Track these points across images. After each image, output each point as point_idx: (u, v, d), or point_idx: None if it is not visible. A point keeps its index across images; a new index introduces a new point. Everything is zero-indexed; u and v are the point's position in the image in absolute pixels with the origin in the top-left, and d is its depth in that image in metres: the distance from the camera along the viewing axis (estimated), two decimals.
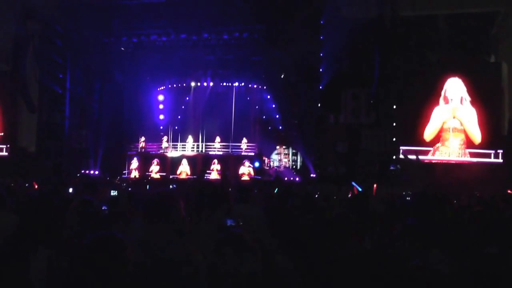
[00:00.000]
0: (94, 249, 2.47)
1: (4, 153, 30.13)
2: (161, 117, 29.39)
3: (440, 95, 24.73)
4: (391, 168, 23.53)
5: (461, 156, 24.33)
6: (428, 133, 24.66)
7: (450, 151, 24.45)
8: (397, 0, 23.62)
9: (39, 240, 3.65)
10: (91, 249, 2.48)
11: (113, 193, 9.82)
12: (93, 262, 2.43)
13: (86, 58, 28.01)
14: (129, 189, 13.89)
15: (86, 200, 5.56)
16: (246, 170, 24.92)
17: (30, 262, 3.47)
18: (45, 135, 29.55)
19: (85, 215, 4.98)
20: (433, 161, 24.38)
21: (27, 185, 15.27)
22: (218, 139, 26.49)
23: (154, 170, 26.53)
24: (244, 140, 25.94)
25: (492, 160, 23.83)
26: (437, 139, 24.69)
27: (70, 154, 28.43)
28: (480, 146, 24.10)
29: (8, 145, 30.14)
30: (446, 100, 24.66)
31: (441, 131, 24.65)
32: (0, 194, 6.78)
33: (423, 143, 24.61)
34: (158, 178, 25.69)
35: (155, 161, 26.68)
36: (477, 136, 24.29)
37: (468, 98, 24.40)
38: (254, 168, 24.96)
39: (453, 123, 24.53)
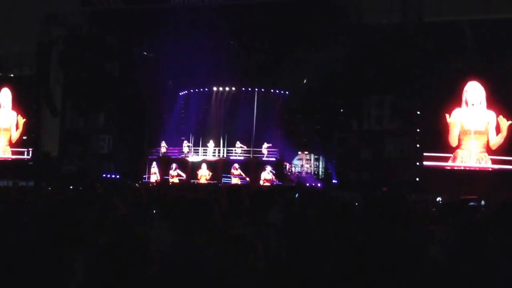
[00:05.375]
0: (119, 250, 2.51)
1: (27, 157, 30.47)
2: (183, 121, 29.38)
3: (462, 100, 24.42)
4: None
5: (481, 160, 23.89)
6: (453, 138, 24.29)
7: (471, 154, 24.01)
8: (421, 6, 23.35)
9: (72, 244, 3.61)
10: (115, 249, 2.51)
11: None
12: (117, 262, 2.45)
13: (108, 63, 28.18)
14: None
15: (110, 202, 5.49)
16: (268, 176, 24.74)
17: (66, 265, 3.44)
18: (68, 139, 29.81)
19: (109, 217, 4.91)
20: (455, 168, 24.04)
21: (49, 188, 15.38)
22: (238, 144, 26.35)
23: (175, 175, 26.50)
24: (265, 145, 25.75)
25: None
26: (458, 143, 24.33)
27: (92, 159, 28.59)
28: (503, 153, 23.65)
29: (31, 149, 30.47)
30: (466, 103, 24.30)
31: (461, 134, 24.27)
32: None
33: (447, 149, 24.28)
34: (177, 183, 25.67)
35: (175, 165, 26.65)
36: (493, 141, 23.90)
37: (485, 102, 24.02)
38: (274, 173, 24.75)
39: (474, 126, 24.14)
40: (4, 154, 31.37)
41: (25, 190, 11.86)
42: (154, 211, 7.01)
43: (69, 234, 3.70)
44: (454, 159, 24.22)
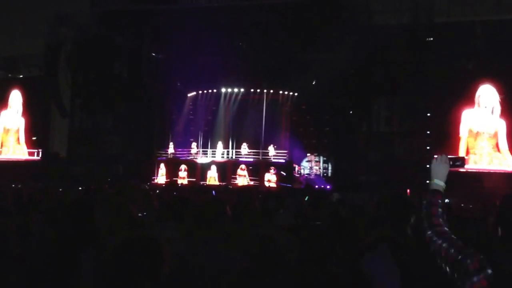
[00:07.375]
0: (130, 249, 2.50)
1: (36, 158, 30.55)
2: (191, 123, 29.36)
3: (474, 102, 24.17)
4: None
5: (494, 160, 23.61)
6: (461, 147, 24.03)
7: (483, 156, 23.73)
8: (432, 7, 23.18)
9: (85, 242, 3.60)
10: (126, 249, 2.50)
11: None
12: (128, 262, 2.45)
13: (117, 64, 28.22)
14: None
15: (120, 202, 5.43)
16: (272, 177, 24.56)
17: (79, 263, 3.45)
18: (77, 140, 29.88)
19: (120, 218, 4.85)
20: (466, 171, 23.76)
21: (60, 190, 15.34)
22: (245, 145, 26.24)
23: (183, 176, 26.42)
24: (271, 147, 25.60)
25: None
26: (467, 150, 24.04)
27: (100, 159, 28.62)
28: None
29: (40, 150, 30.56)
30: (479, 106, 24.05)
31: (470, 137, 24.00)
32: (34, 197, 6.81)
33: (457, 151, 24.01)
34: (187, 185, 25.57)
35: (184, 167, 26.57)
36: (502, 145, 23.69)
37: (499, 107, 23.76)
38: (279, 175, 24.51)
39: (485, 128, 23.86)
40: (15, 153, 31.48)
41: (35, 191, 11.85)
42: (164, 212, 6.93)
43: (80, 234, 3.67)
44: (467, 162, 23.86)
